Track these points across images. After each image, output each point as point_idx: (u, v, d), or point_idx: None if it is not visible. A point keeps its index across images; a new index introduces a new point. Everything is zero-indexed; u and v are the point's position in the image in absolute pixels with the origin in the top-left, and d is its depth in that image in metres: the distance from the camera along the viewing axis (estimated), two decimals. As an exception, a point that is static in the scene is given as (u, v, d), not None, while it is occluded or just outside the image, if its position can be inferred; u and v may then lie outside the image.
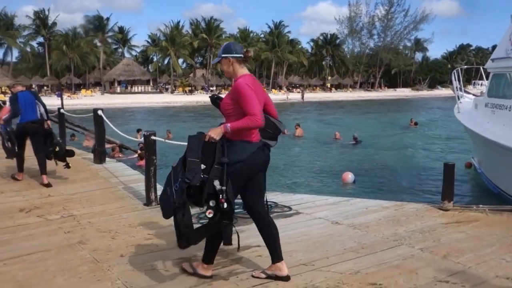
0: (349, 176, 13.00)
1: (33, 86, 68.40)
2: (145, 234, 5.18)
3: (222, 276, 4.01)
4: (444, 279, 3.93)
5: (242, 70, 3.73)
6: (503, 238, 5.01)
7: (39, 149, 7.74)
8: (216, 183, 3.40)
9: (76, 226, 5.44)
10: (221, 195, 3.39)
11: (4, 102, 8.08)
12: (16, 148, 7.67)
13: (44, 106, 7.92)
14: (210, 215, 3.46)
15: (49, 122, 8.03)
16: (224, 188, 3.40)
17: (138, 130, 18.81)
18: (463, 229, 5.37)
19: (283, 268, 3.85)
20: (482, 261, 4.34)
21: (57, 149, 7.82)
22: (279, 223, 5.65)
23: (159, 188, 6.98)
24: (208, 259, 3.92)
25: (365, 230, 5.36)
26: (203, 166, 3.40)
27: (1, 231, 5.25)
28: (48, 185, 7.47)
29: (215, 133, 3.48)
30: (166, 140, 8.03)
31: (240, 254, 4.54)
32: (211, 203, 3.42)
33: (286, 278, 3.86)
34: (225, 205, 3.40)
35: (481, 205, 6.14)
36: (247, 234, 5.25)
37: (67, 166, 7.99)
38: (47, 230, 5.33)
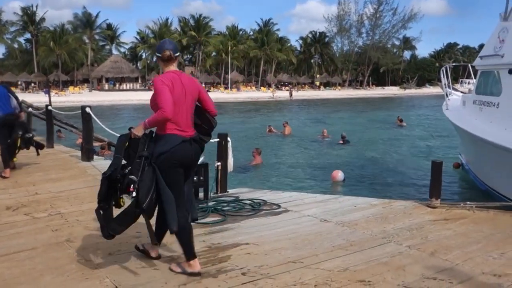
0: (339, 174, 13.03)
1: (19, 82, 67.79)
2: (133, 232, 5.13)
3: (211, 273, 4.01)
4: (431, 276, 3.96)
5: (167, 68, 3.92)
6: (489, 235, 5.08)
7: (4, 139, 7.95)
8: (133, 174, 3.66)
9: (64, 224, 5.39)
10: (132, 185, 3.60)
11: None
12: None
13: (17, 98, 8.11)
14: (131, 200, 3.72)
15: (22, 114, 8.26)
16: (135, 178, 3.61)
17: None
18: (451, 226, 5.42)
19: (195, 265, 3.97)
20: (469, 257, 4.39)
21: (27, 135, 8.11)
22: (268, 220, 5.69)
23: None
24: (189, 253, 3.98)
25: (354, 227, 5.39)
26: (124, 162, 3.72)
27: (-13, 230, 5.19)
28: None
29: (137, 130, 3.77)
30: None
31: (229, 252, 4.54)
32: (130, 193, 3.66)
33: (199, 274, 3.97)
34: (133, 194, 3.60)
35: (468, 202, 6.21)
36: (237, 231, 5.27)
37: (37, 152, 8.67)
38: (34, 228, 5.27)
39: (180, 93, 3.77)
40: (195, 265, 3.96)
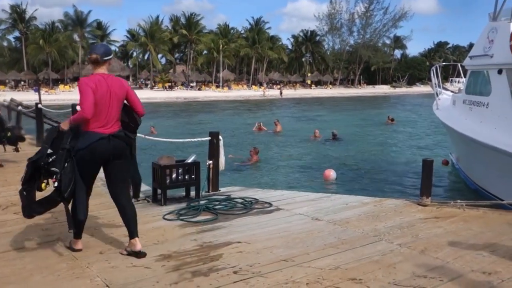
0: (331, 174, 13.05)
1: (7, 81, 67.12)
2: (124, 231, 5.09)
3: (203, 272, 4.00)
4: (422, 274, 3.99)
5: (96, 70, 4.26)
6: (479, 234, 5.12)
7: None
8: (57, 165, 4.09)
9: (54, 223, 5.35)
10: (55, 176, 4.05)
11: None
12: None
13: None
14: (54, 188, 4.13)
15: None
16: (57, 170, 4.04)
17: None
18: (441, 224, 5.46)
19: (136, 244, 4.34)
20: (459, 255, 4.42)
21: (9, 134, 8.70)
22: (260, 219, 5.70)
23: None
24: (76, 235, 4.47)
25: (345, 226, 5.41)
26: (50, 151, 4.15)
27: (-24, 229, 5.14)
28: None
29: (64, 125, 4.21)
30: (146, 136, 7.97)
31: (221, 251, 4.54)
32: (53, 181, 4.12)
33: (141, 254, 4.35)
34: (56, 184, 4.06)
35: (458, 201, 6.26)
36: (228, 230, 5.26)
37: (16, 150, 8.90)
38: (24, 227, 5.23)
39: (103, 94, 4.10)
40: (136, 244, 4.33)
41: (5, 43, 72.96)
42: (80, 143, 4.10)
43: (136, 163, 4.79)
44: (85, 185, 4.19)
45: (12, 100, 17.90)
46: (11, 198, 6.37)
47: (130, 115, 4.41)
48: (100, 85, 4.10)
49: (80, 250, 4.46)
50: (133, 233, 4.36)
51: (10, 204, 6.12)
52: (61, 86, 67.19)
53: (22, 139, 9.32)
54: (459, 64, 14.81)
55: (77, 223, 4.35)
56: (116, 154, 4.25)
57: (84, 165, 4.13)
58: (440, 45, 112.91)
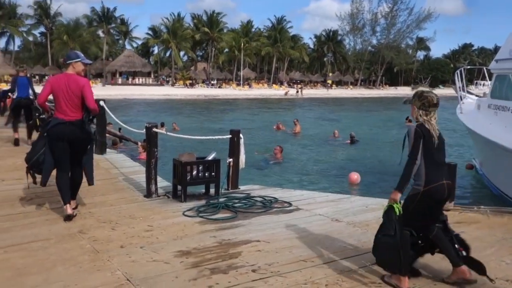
0: (356, 177, 12.87)
1: (28, 75, 68.18)
2: (145, 226, 5.18)
3: (222, 269, 4.01)
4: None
5: (64, 70, 5.53)
6: (503, 240, 5.01)
7: (28, 119, 10.44)
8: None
9: (76, 216, 5.43)
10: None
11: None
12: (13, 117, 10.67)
13: (33, 90, 10.39)
14: None
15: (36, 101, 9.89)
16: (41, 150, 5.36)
17: (162, 124, 20.45)
18: (464, 229, 5.35)
19: (67, 209, 5.30)
20: (483, 262, 4.33)
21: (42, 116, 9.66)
22: (279, 218, 5.69)
23: (160, 180, 7.00)
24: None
25: (365, 228, 5.36)
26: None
27: (1, 219, 5.25)
28: (17, 141, 10.16)
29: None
30: (169, 133, 8.02)
31: (240, 249, 4.54)
32: None
33: (68, 218, 5.24)
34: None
35: (482, 207, 6.14)
36: (247, 228, 5.26)
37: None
38: (47, 219, 5.33)
39: (60, 88, 5.20)
40: (67, 209, 5.29)
41: (30, 38, 74.27)
42: (48, 125, 5.35)
43: (91, 154, 5.67)
44: (54, 158, 5.28)
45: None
46: (34, 190, 6.47)
47: (88, 109, 5.33)
48: (58, 82, 5.26)
49: (70, 215, 5.27)
50: (69, 196, 5.39)
51: (34, 196, 6.23)
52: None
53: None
54: (484, 68, 14.53)
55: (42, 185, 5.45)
56: (72, 137, 5.23)
57: (50, 142, 5.26)
58: (465, 47, 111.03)
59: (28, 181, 5.57)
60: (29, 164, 5.44)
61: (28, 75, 14.59)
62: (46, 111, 6.12)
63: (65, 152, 5.28)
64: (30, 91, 10.29)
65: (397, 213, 3.71)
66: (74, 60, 5.35)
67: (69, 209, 5.31)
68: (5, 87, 36.45)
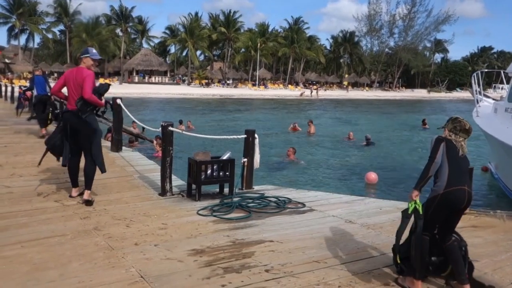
0: (374, 176, 12.78)
1: (45, 72, 68.91)
2: (159, 224, 5.22)
3: (235, 269, 4.03)
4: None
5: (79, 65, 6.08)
6: (519, 245, 4.95)
7: (43, 112, 11.19)
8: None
9: (92, 213, 5.51)
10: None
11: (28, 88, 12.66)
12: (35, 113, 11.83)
13: (49, 86, 10.84)
14: None
15: (52, 97, 10.78)
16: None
17: (180, 122, 21.77)
18: (480, 234, 5.31)
19: (72, 192, 6.15)
20: (498, 267, 4.29)
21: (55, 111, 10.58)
22: (293, 219, 5.69)
23: (175, 179, 7.05)
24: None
25: (379, 230, 5.34)
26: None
27: (19, 214, 5.34)
28: (44, 137, 9.95)
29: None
30: (184, 132, 8.07)
31: (253, 248, 4.56)
32: None
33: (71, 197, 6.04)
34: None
35: (498, 211, 6.07)
36: (261, 228, 5.27)
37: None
38: (63, 215, 5.40)
39: (70, 80, 5.80)
40: (72, 192, 6.10)
41: (50, 36, 75.27)
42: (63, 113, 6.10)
43: (95, 143, 5.95)
44: (71, 141, 5.90)
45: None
46: (51, 186, 6.59)
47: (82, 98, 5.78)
48: (70, 74, 5.86)
49: (71, 196, 6.03)
50: (75, 182, 6.13)
51: (51, 192, 6.32)
52: (100, 80, 68.62)
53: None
54: (502, 72, 14.30)
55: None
56: (73, 126, 5.81)
57: (62, 128, 5.94)
58: (484, 50, 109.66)
59: (40, 159, 6.45)
60: (48, 146, 6.11)
61: (47, 72, 15.32)
62: (60, 99, 7.05)
63: (72, 138, 5.89)
64: (47, 88, 11.12)
65: (413, 211, 3.71)
66: (84, 55, 5.93)
67: (73, 192, 6.09)
68: (25, 84, 37.51)
